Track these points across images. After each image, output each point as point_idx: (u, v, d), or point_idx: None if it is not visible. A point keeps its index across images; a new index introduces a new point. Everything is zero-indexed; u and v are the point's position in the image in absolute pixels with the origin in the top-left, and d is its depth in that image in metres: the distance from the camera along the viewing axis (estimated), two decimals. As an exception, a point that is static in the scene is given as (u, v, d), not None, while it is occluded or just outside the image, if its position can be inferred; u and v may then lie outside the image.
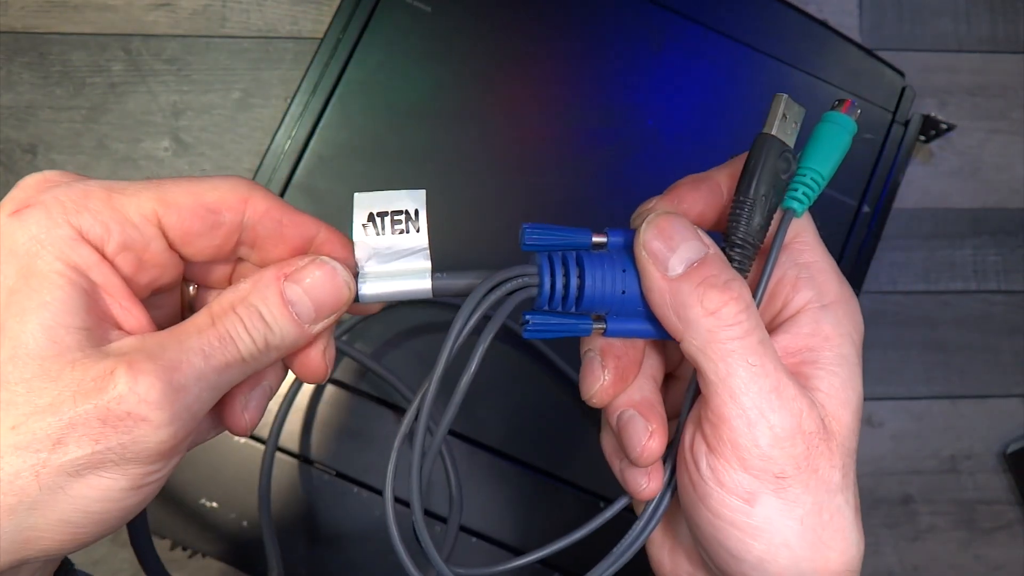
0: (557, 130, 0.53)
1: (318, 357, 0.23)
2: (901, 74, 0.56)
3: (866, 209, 0.54)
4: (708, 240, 0.22)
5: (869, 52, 0.56)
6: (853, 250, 0.53)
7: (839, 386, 0.22)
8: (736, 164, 0.24)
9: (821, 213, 0.54)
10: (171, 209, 0.20)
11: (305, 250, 0.22)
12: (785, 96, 0.23)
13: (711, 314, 0.20)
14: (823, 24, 0.56)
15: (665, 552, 0.27)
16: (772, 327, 0.23)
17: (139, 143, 0.57)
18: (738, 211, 0.22)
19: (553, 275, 0.22)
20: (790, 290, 0.23)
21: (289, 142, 0.51)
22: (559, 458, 0.49)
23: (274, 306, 0.20)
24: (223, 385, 0.20)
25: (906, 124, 0.55)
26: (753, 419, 0.20)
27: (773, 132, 0.22)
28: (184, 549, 0.47)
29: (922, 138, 0.60)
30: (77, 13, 0.58)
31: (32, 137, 0.56)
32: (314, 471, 0.47)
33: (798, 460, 0.20)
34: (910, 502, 0.57)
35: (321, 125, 0.51)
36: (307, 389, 0.48)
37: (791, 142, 0.23)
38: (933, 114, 0.56)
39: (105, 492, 0.18)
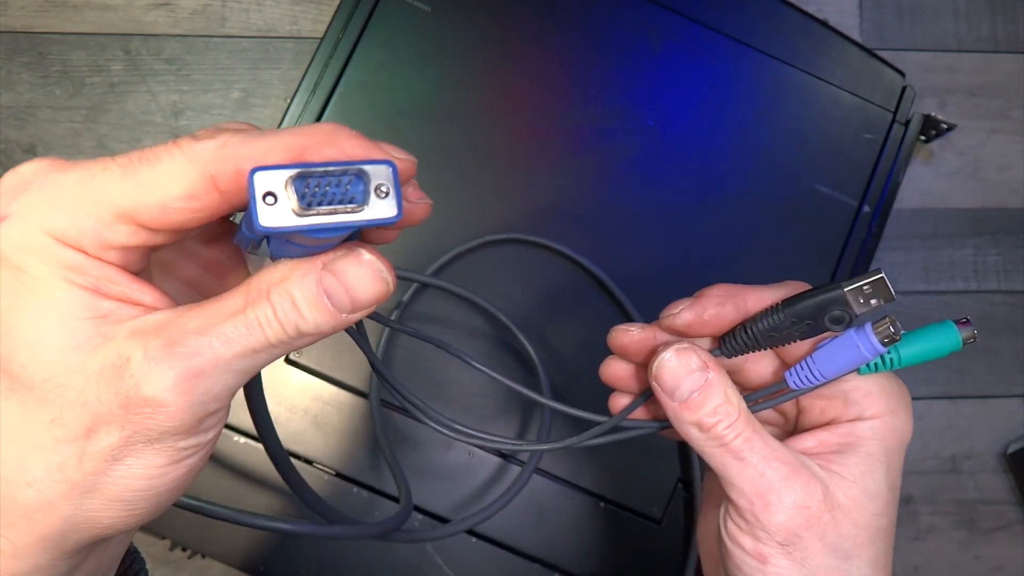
0: (557, 130, 0.53)
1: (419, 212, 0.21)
2: (901, 74, 0.56)
3: (866, 209, 0.54)
4: (711, 364, 0.26)
5: (869, 52, 0.56)
6: (853, 250, 0.53)
7: (859, 473, 0.25)
8: (775, 290, 0.26)
9: (821, 213, 0.54)
10: (140, 210, 0.19)
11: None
12: (883, 275, 0.24)
13: (704, 431, 0.25)
14: (823, 24, 0.56)
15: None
16: (817, 425, 0.27)
17: (139, 143, 0.56)
18: (768, 313, 0.25)
19: None
20: (838, 409, 0.27)
21: (289, 142, 0.51)
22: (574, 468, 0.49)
23: (309, 295, 0.19)
24: (249, 368, 0.19)
25: (906, 124, 0.55)
26: (751, 499, 0.25)
27: (845, 290, 0.24)
28: (184, 549, 0.47)
29: (922, 138, 0.60)
30: (77, 13, 0.58)
31: (32, 137, 0.56)
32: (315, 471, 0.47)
33: (797, 531, 0.25)
34: (911, 502, 0.57)
35: (321, 125, 0.51)
36: (320, 392, 0.48)
37: (859, 311, 0.24)
38: (933, 114, 0.56)
39: (146, 470, 0.19)
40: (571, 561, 0.48)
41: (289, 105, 0.51)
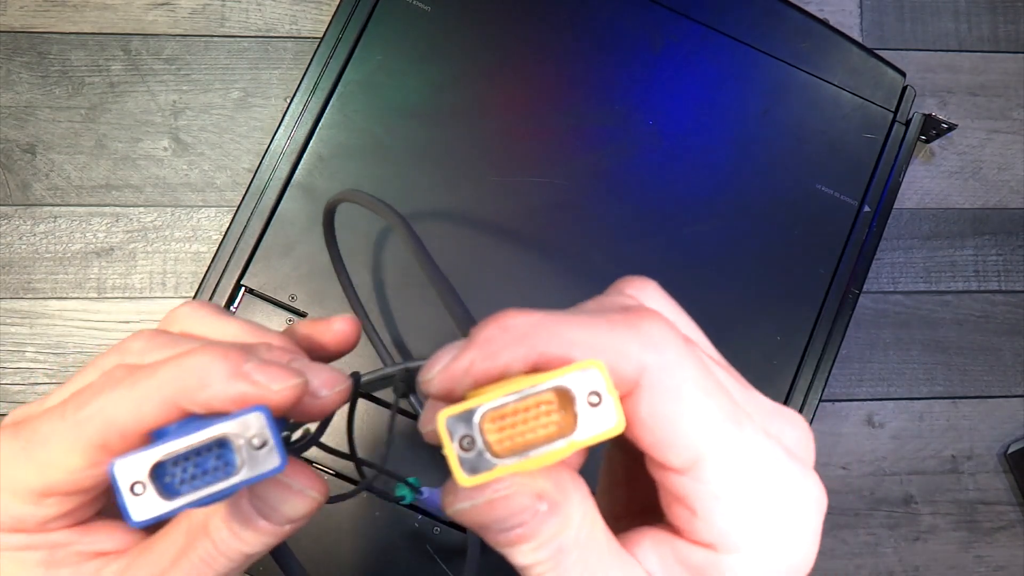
0: (557, 130, 0.53)
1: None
2: (902, 73, 0.56)
3: (867, 209, 0.54)
4: None
5: (870, 51, 0.56)
6: (853, 250, 0.53)
7: None
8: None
9: (821, 213, 0.54)
10: (54, 487, 0.19)
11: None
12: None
13: None
14: (824, 23, 0.56)
15: None
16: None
17: (138, 143, 0.56)
18: None
19: None
20: None
21: (289, 142, 0.51)
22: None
23: (244, 522, 0.19)
24: None
25: (907, 124, 0.55)
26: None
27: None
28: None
29: (923, 138, 0.60)
30: (76, 13, 0.58)
31: (31, 137, 0.56)
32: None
33: None
34: (911, 502, 0.57)
35: (321, 125, 0.51)
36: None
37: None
38: (934, 114, 0.56)
39: None
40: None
41: (289, 105, 0.51)
